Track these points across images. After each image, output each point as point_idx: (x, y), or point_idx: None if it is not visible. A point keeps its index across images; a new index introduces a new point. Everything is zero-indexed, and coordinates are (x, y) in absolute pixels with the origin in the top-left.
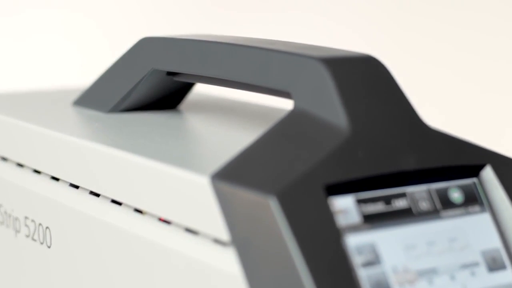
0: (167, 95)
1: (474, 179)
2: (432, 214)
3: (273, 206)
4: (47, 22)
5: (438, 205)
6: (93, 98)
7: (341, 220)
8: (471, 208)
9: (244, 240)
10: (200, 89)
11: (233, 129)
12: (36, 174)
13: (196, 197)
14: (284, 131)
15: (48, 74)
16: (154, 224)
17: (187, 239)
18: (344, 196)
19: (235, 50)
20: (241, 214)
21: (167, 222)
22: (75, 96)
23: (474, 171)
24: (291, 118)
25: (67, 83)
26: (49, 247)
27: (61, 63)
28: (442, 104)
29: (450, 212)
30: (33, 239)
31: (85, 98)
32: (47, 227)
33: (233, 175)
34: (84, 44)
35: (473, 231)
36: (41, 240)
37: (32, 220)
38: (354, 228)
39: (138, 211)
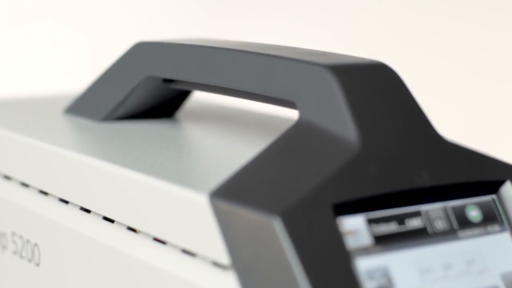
0: (164, 103)
1: (493, 196)
2: (448, 234)
3: (277, 227)
4: (37, 25)
5: (455, 224)
6: (85, 106)
7: (351, 242)
8: (490, 227)
9: (246, 264)
10: (199, 96)
11: (233, 141)
12: (24, 188)
13: (194, 216)
14: (288, 145)
15: (37, 80)
16: (149, 244)
17: (183, 261)
18: (354, 216)
19: (236, 56)
20: (242, 236)
21: (162, 242)
22: (65, 103)
23: (493, 187)
24: (296, 130)
25: (58, 89)
26: (37, 265)
27: (51, 68)
28: (459, 115)
29: (468, 231)
30: (21, 256)
31: (77, 106)
32: (35, 244)
33: (233, 193)
34: (75, 48)
35: (492, 252)
36: (30, 258)
37: (20, 236)
38: (365, 251)
39: (131, 229)
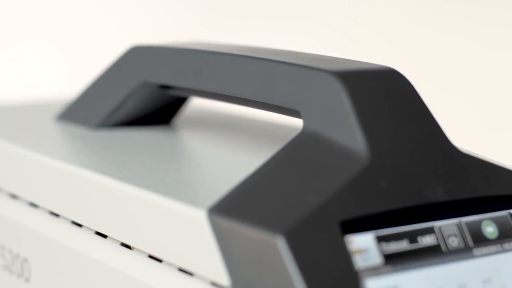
0: (160, 109)
1: (510, 211)
2: (463, 252)
3: (280, 246)
4: (24, 25)
5: (470, 241)
6: (79, 113)
7: (360, 262)
8: (507, 244)
9: (246, 285)
10: (197, 102)
11: (234, 152)
12: (13, 199)
13: (191, 233)
14: (292, 157)
15: (25, 85)
16: (143, 262)
17: (180, 280)
18: (363, 234)
19: (236, 61)
20: (243, 255)
21: (158, 260)
22: (57, 109)
23: (509, 201)
24: (300, 141)
25: (47, 94)
26: (27, 280)
27: (38, 73)
28: (475, 125)
29: (484, 249)
30: (11, 271)
31: (70, 112)
32: (25, 259)
33: (233, 208)
34: (65, 51)
35: (509, 270)
36: (19, 273)
37: (9, 250)
38: (375, 271)
39: (125, 245)
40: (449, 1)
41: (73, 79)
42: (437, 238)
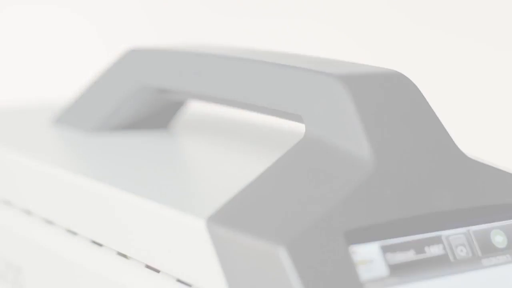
0: (158, 113)
1: None
2: (471, 262)
3: (282, 257)
4: (20, 26)
5: (479, 251)
6: (76, 116)
7: (365, 273)
8: None
9: None
10: (196, 106)
11: (234, 159)
12: (6, 206)
13: (190, 243)
14: (294, 164)
15: (19, 89)
16: (140, 272)
17: None
18: (368, 244)
19: (236, 65)
20: (243, 266)
21: (155, 270)
22: (51, 113)
23: None
24: (302, 147)
25: (41, 98)
26: None
27: (33, 75)
28: (484, 130)
29: (493, 259)
30: (5, 280)
31: (67, 116)
32: (19, 267)
33: (234, 218)
34: (61, 54)
35: None
36: (13, 281)
37: (3, 258)
38: (380, 282)
39: (121, 255)
40: (456, 3)
41: (69, 82)
42: (444, 248)
